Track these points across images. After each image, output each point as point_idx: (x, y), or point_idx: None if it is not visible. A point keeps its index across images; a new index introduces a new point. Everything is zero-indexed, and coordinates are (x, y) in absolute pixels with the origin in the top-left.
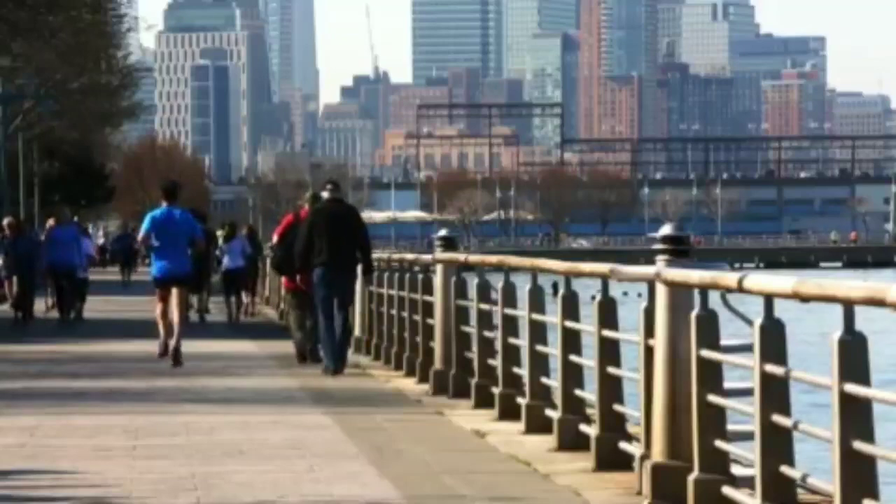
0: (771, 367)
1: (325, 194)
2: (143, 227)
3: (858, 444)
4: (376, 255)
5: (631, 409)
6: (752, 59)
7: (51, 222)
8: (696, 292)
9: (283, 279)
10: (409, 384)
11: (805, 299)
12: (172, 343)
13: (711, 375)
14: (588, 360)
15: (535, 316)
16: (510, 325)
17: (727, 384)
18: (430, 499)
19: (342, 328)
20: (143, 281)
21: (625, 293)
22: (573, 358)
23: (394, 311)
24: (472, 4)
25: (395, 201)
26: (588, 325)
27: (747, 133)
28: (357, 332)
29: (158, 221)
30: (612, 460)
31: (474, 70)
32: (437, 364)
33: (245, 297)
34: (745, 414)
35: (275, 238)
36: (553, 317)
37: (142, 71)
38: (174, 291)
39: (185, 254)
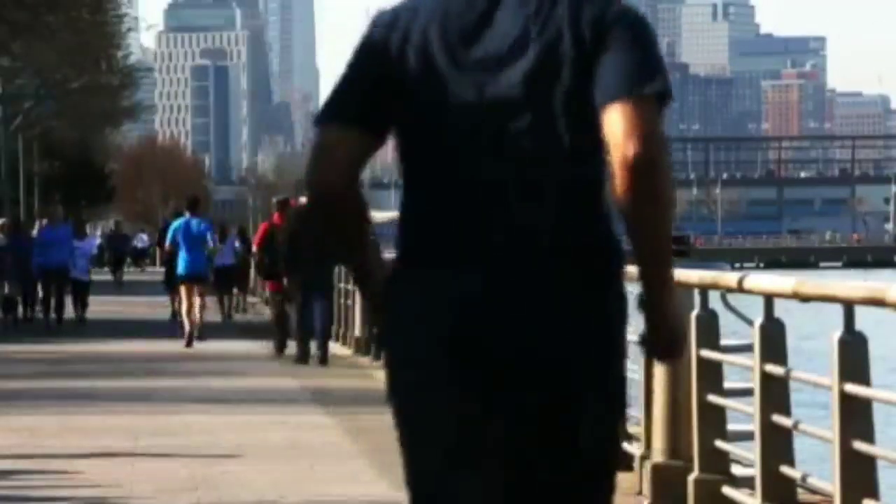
0: (771, 367)
1: (303, 199)
2: (168, 237)
3: (858, 444)
4: None
5: (631, 409)
6: (752, 59)
7: (44, 223)
8: (696, 292)
9: (269, 283)
10: None
11: (805, 299)
12: (196, 328)
13: (711, 375)
14: None
15: None
16: None
17: (727, 384)
18: None
19: (324, 320)
20: (136, 281)
21: None
22: None
23: None
24: None
25: (395, 201)
26: None
27: (747, 133)
28: (357, 332)
29: (179, 230)
30: None
31: None
32: None
33: (236, 294)
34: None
35: (254, 247)
36: None
37: (142, 71)
38: (195, 287)
39: (202, 256)
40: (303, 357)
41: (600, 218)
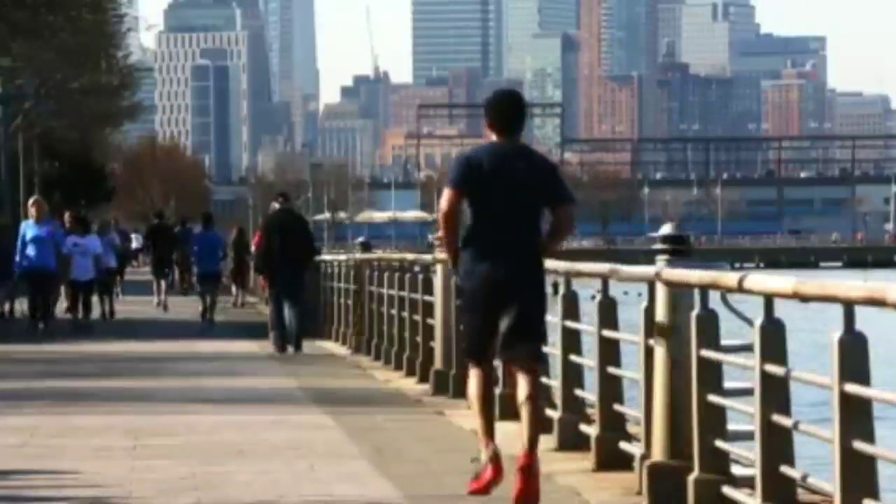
0: (771, 367)
1: (275, 205)
2: (188, 245)
3: (858, 444)
4: (377, 254)
5: (631, 409)
6: (752, 59)
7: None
8: (696, 292)
9: (261, 279)
10: (409, 384)
11: (805, 299)
12: (208, 315)
13: (711, 375)
14: (588, 360)
15: None
16: None
17: (727, 384)
18: (430, 499)
19: (297, 317)
20: (132, 281)
21: (625, 293)
22: (573, 358)
23: (394, 311)
24: (472, 4)
25: (395, 201)
26: (588, 325)
27: (747, 133)
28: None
29: (199, 240)
30: (612, 460)
31: (474, 70)
32: (437, 364)
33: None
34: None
35: (253, 246)
36: (553, 317)
37: (142, 71)
38: (210, 283)
39: (217, 260)
40: (281, 348)
41: None
